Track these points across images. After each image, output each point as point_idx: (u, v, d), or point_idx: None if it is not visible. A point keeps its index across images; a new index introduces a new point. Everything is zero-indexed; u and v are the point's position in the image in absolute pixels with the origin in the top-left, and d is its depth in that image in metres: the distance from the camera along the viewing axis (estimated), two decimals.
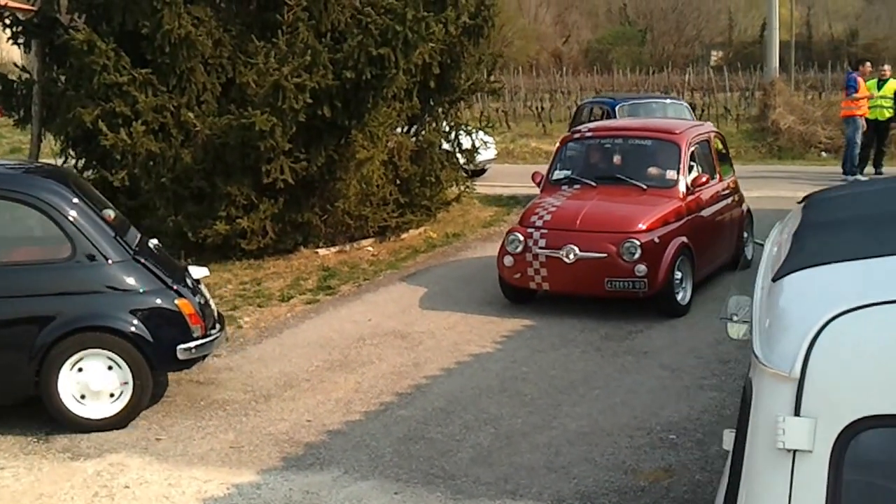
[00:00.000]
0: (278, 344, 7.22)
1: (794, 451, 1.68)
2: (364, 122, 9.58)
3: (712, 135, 9.22)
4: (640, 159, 8.67)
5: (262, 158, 9.16)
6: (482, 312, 7.92)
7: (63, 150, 10.33)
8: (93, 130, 9.24)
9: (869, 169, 15.37)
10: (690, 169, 8.40)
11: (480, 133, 12.82)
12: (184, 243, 9.47)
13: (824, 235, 2.30)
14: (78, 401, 5.45)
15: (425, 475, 4.83)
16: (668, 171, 8.34)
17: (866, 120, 15.12)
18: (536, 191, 8.96)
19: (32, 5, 10.82)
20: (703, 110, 22.04)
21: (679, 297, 7.71)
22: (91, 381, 5.43)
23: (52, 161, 9.85)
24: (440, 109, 11.76)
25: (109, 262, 5.52)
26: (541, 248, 7.73)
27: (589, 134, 9.26)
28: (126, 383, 5.48)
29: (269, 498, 4.64)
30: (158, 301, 5.59)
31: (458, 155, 12.11)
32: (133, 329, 5.47)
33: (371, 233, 10.65)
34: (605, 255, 7.51)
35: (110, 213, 5.85)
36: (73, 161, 10.34)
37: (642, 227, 7.62)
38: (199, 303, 5.82)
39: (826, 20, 47.98)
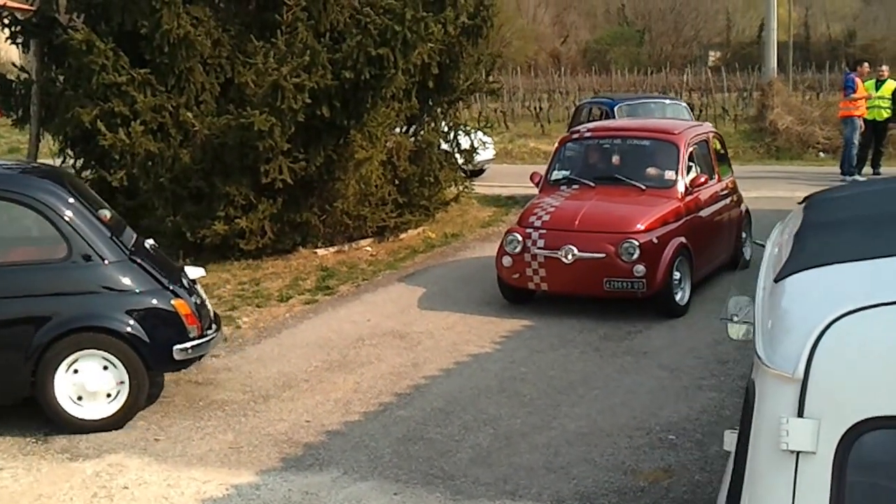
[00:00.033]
0: (277, 344, 7.21)
1: (798, 453, 1.68)
2: (363, 123, 9.58)
3: (711, 135, 9.23)
4: (638, 160, 8.67)
5: (261, 158, 9.15)
6: (481, 313, 7.92)
7: (61, 149, 10.32)
8: (91, 130, 9.23)
9: (867, 169, 15.39)
10: (689, 169, 8.40)
11: (479, 133, 12.82)
12: (182, 243, 9.46)
13: (826, 236, 2.30)
14: (75, 402, 5.44)
15: (424, 476, 4.83)
16: (666, 172, 8.34)
17: (864, 120, 15.13)
18: (535, 191, 8.96)
19: (31, 5, 10.81)
20: (700, 110, 22.06)
21: (678, 297, 7.71)
22: (87, 382, 5.42)
23: (50, 161, 9.86)
24: (439, 110, 11.77)
25: (105, 262, 5.51)
26: (539, 248, 7.73)
27: (588, 134, 9.26)
28: (122, 382, 5.47)
29: (268, 499, 4.64)
30: (155, 301, 5.58)
31: (457, 155, 12.11)
32: (129, 329, 5.46)
33: (370, 233, 10.65)
34: (604, 255, 7.51)
35: (106, 214, 5.84)
36: (72, 161, 10.33)
37: (641, 227, 7.62)
38: (196, 303, 5.82)
39: (824, 21, 48.03)
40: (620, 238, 7.51)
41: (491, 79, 12.49)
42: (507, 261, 7.90)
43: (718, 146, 9.40)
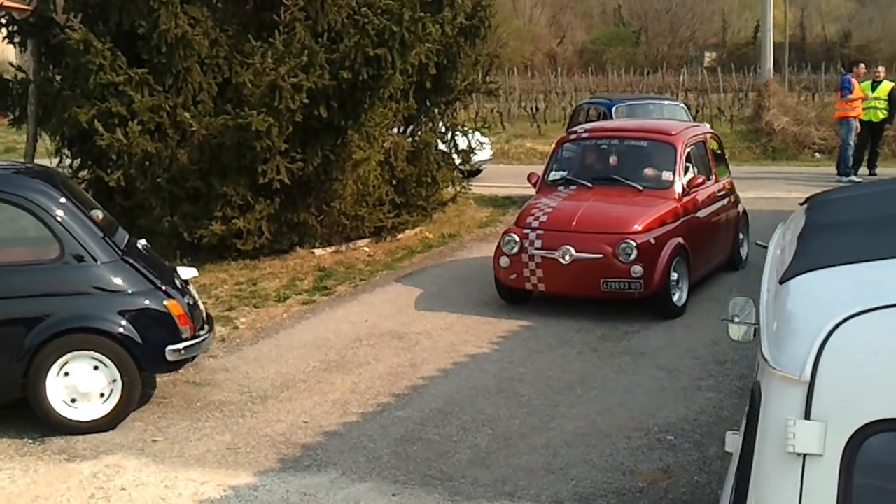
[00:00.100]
0: (275, 345, 7.20)
1: (805, 455, 1.68)
2: (360, 123, 9.57)
3: (708, 136, 9.23)
4: (636, 160, 8.67)
5: (259, 158, 9.14)
6: (479, 313, 7.91)
7: (58, 149, 10.30)
8: (89, 130, 9.20)
9: (863, 170, 15.42)
10: (686, 170, 8.40)
11: (476, 133, 12.82)
12: (179, 243, 9.45)
13: (829, 238, 2.30)
14: (68, 405, 5.42)
15: (423, 477, 4.82)
16: (664, 172, 8.34)
17: (860, 121, 15.16)
18: (531, 191, 8.96)
19: (28, 5, 10.77)
20: (697, 111, 22.09)
21: (675, 297, 7.71)
22: (79, 383, 5.40)
23: (47, 161, 9.83)
24: (436, 110, 11.76)
25: (98, 262, 5.50)
26: (537, 248, 7.73)
27: (585, 135, 9.26)
28: (115, 381, 5.45)
29: (267, 500, 4.63)
30: (147, 302, 5.56)
31: (454, 155, 12.10)
32: (122, 330, 5.44)
33: (367, 233, 10.64)
34: (601, 255, 7.51)
35: (98, 214, 5.83)
36: (69, 161, 10.31)
37: (638, 227, 7.62)
38: (188, 304, 5.80)
39: (819, 22, 48.15)
40: (618, 239, 7.51)
41: (488, 79, 12.48)
42: (504, 261, 7.89)
43: (716, 147, 9.40)
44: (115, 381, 5.44)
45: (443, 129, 12.02)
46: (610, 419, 5.55)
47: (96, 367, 5.44)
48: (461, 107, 13.12)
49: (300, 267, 9.62)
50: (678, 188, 8.17)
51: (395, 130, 11.23)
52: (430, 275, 9.45)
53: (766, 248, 2.67)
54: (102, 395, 5.46)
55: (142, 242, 6.21)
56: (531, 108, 24.89)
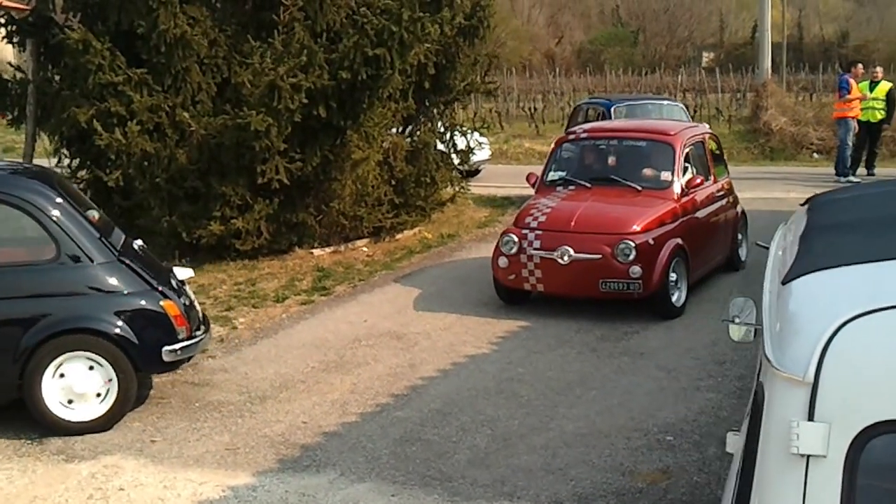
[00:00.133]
0: (273, 345, 7.20)
1: (808, 457, 1.67)
2: (359, 123, 9.57)
3: (707, 136, 9.24)
4: (634, 160, 8.67)
5: (258, 158, 9.13)
6: (478, 313, 7.91)
7: (57, 149, 10.28)
8: (87, 130, 9.20)
9: (861, 170, 15.44)
10: (685, 170, 8.41)
11: (475, 134, 12.82)
12: (178, 243, 9.44)
13: (832, 238, 2.30)
14: (65, 406, 5.40)
15: (422, 477, 4.82)
16: (662, 173, 8.34)
17: (858, 122, 15.18)
18: (530, 191, 8.96)
19: (27, 4, 10.76)
20: (695, 111, 22.12)
21: (674, 298, 7.71)
22: (75, 384, 5.39)
23: (46, 161, 9.82)
24: (435, 110, 11.76)
25: (94, 263, 5.49)
26: (535, 249, 7.73)
27: (584, 135, 9.26)
28: (110, 380, 5.43)
29: (265, 500, 4.62)
30: (143, 302, 5.55)
31: (453, 155, 12.10)
32: (118, 331, 5.43)
33: (366, 233, 10.64)
34: (600, 256, 7.51)
35: (94, 214, 5.82)
36: (67, 161, 10.30)
37: (637, 228, 7.62)
38: (184, 304, 5.79)
39: (817, 22, 48.19)
40: (616, 239, 7.51)
41: (487, 79, 12.49)
42: (503, 262, 7.89)
43: (714, 147, 9.41)
44: (110, 380, 5.43)
45: (441, 130, 12.01)
46: (609, 419, 5.55)
47: (91, 368, 5.43)
48: (460, 107, 13.12)
49: (299, 267, 9.62)
50: (677, 188, 8.17)
51: (393, 130, 11.23)
52: (428, 275, 9.44)
53: (766, 248, 2.67)
54: (99, 394, 5.45)
55: (138, 243, 6.20)
56: (529, 109, 24.89)
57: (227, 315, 7.93)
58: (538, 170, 9.16)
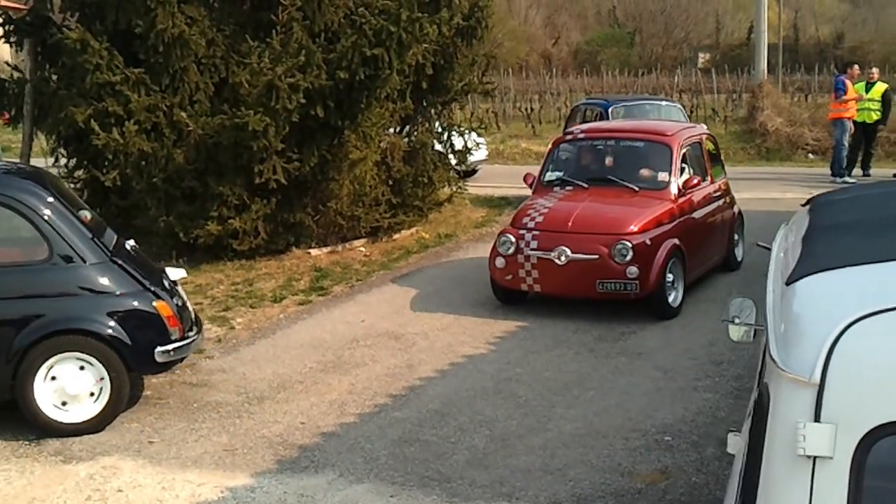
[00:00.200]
0: (271, 345, 7.19)
1: (815, 458, 1.68)
2: (357, 123, 9.56)
3: (704, 137, 9.25)
4: (632, 161, 8.68)
5: (255, 158, 9.12)
6: (475, 313, 7.91)
7: (54, 149, 10.26)
8: (85, 130, 9.18)
9: (856, 171, 15.48)
10: (682, 171, 8.42)
11: (473, 134, 12.83)
12: (175, 243, 9.43)
13: (834, 239, 2.30)
14: (59, 408, 5.38)
15: (420, 478, 4.82)
16: (659, 173, 8.35)
17: (854, 122, 15.21)
18: (527, 191, 8.97)
19: (25, 4, 10.74)
20: (691, 112, 22.16)
21: (670, 298, 7.72)
22: (67, 386, 5.37)
23: (43, 160, 9.81)
24: (433, 110, 11.76)
25: (86, 263, 5.47)
26: (532, 249, 7.73)
27: (581, 135, 9.27)
28: (102, 379, 5.42)
29: (264, 501, 4.62)
30: (136, 303, 5.54)
31: (451, 155, 12.10)
32: (111, 332, 5.41)
33: (363, 233, 10.64)
34: (597, 256, 7.51)
35: (86, 215, 5.80)
36: (64, 160, 10.28)
37: (634, 228, 7.63)
38: (177, 304, 5.78)
39: (813, 23, 48.27)
40: (613, 239, 7.51)
41: (485, 80, 12.49)
42: (500, 262, 7.89)
43: (712, 148, 9.42)
44: (102, 378, 5.41)
45: (439, 130, 12.01)
46: (607, 420, 5.55)
47: (82, 368, 5.41)
48: (457, 107, 13.13)
49: (296, 267, 9.61)
50: (674, 189, 8.18)
51: (391, 131, 11.23)
52: (426, 275, 9.44)
53: (767, 249, 2.68)
54: (92, 394, 5.43)
55: (130, 243, 6.18)
56: (526, 109, 24.90)
57: (225, 315, 7.92)
58: (535, 170, 9.16)
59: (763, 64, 20.21)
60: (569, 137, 9.32)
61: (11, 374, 5.30)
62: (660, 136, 8.66)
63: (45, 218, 5.43)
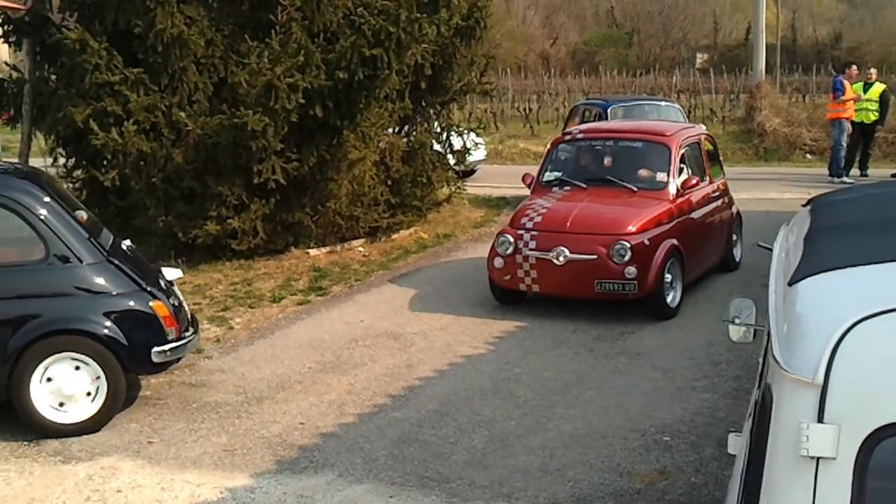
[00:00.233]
0: (270, 345, 7.18)
1: (818, 459, 1.68)
2: (356, 123, 9.56)
3: (703, 137, 9.25)
4: (630, 161, 8.69)
5: (254, 158, 9.12)
6: (474, 314, 7.91)
7: (53, 149, 10.25)
8: (84, 130, 9.18)
9: (854, 171, 15.50)
10: (681, 171, 8.42)
11: (471, 134, 12.83)
12: (174, 243, 9.42)
13: (836, 239, 2.30)
14: (56, 409, 5.37)
15: (420, 478, 4.81)
16: (658, 174, 8.36)
17: (852, 123, 15.24)
18: (526, 191, 8.97)
19: (24, 4, 10.72)
20: (689, 112, 22.16)
21: (669, 298, 7.72)
22: (63, 386, 5.36)
23: (41, 160, 9.80)
24: (432, 110, 11.76)
25: (83, 263, 5.46)
26: (531, 249, 7.73)
27: (580, 136, 9.27)
28: (98, 378, 5.41)
29: (263, 502, 4.62)
30: (133, 303, 5.53)
31: (449, 156, 12.11)
32: (107, 332, 5.40)
33: (362, 233, 10.63)
34: (595, 256, 7.52)
35: (83, 215, 5.79)
36: (63, 160, 10.27)
37: (632, 229, 7.63)
38: (174, 305, 5.78)
39: (811, 23, 48.30)
40: (612, 240, 7.51)
41: (483, 80, 12.50)
42: (498, 262, 7.89)
43: (710, 148, 9.43)
44: (98, 377, 5.40)
45: (438, 130, 12.02)
46: (606, 420, 5.55)
47: (78, 368, 5.40)
48: (456, 107, 13.14)
49: (295, 267, 9.61)
50: (672, 189, 8.18)
51: (390, 131, 11.23)
52: (425, 275, 9.44)
53: (768, 249, 2.68)
54: (89, 394, 5.42)
55: (126, 243, 6.17)
56: (524, 109, 24.90)
57: (224, 315, 7.91)
58: (533, 170, 9.17)
59: (761, 64, 20.22)
60: (567, 138, 9.32)
61: (7, 374, 5.29)
62: (658, 137, 8.66)
63: (42, 218, 5.42)
